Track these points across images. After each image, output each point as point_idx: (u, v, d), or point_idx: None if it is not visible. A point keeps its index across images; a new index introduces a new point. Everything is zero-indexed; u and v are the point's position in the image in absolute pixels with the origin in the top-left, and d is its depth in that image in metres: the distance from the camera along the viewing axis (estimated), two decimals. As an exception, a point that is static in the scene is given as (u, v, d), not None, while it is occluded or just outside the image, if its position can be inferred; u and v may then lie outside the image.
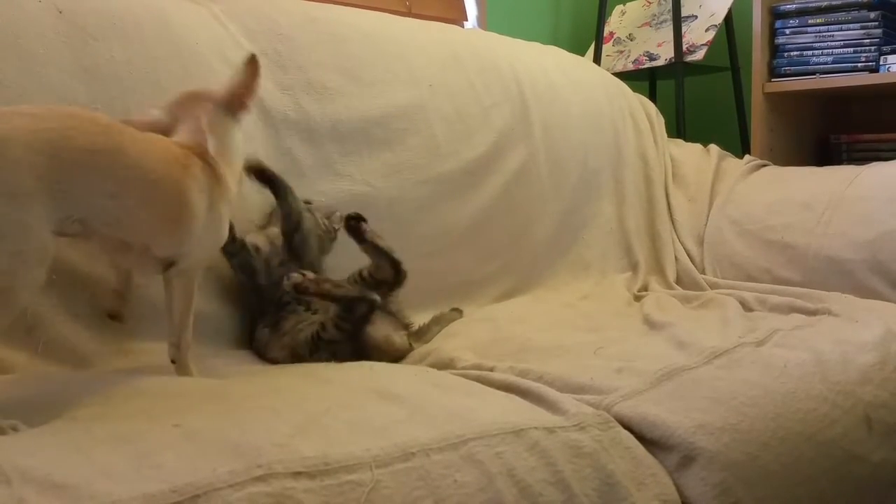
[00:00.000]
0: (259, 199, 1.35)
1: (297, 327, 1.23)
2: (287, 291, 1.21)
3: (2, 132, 0.83)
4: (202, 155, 1.02)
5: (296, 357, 1.22)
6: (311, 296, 1.20)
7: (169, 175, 0.96)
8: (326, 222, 1.37)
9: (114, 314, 1.13)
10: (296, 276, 1.19)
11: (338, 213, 1.38)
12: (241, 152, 1.11)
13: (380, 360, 1.20)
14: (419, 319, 1.41)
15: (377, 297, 1.22)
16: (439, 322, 1.42)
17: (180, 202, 0.97)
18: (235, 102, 1.09)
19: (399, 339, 1.27)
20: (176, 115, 1.07)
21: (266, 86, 1.45)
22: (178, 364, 1.07)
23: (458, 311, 1.50)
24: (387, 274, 1.27)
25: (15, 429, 0.80)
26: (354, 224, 1.26)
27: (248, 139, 1.38)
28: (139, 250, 0.97)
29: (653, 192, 2.00)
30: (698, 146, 2.16)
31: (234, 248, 1.25)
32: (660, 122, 2.14)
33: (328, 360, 1.18)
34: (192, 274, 1.06)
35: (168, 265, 1.03)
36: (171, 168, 0.97)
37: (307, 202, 1.36)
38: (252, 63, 1.09)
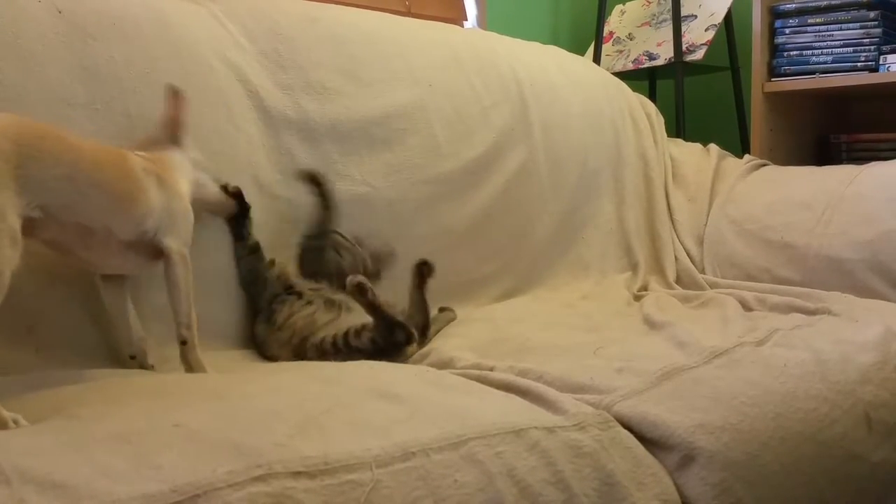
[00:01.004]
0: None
1: (291, 319, 1.24)
2: (345, 289, 1.22)
3: None
4: (140, 154, 1.12)
5: (298, 353, 1.22)
6: (364, 301, 1.20)
7: (112, 159, 1.05)
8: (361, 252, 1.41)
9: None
10: (361, 277, 1.20)
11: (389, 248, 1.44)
12: (187, 168, 1.21)
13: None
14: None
15: (415, 333, 1.24)
16: (434, 323, 1.42)
17: (128, 181, 1.05)
18: (170, 132, 1.21)
19: (411, 350, 1.27)
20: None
21: (266, 85, 1.45)
22: (189, 343, 1.11)
23: (450, 311, 1.49)
24: (416, 322, 1.31)
25: (17, 422, 0.82)
26: (420, 269, 1.35)
27: (247, 139, 1.39)
28: (103, 234, 1.03)
29: (653, 191, 2.00)
30: (698, 146, 2.16)
31: (243, 250, 1.31)
32: (659, 121, 2.14)
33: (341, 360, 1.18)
34: (182, 250, 1.11)
35: (151, 251, 1.09)
36: (113, 155, 1.06)
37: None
38: (174, 96, 1.23)
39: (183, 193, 1.15)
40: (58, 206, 0.97)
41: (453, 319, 1.48)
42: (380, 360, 1.16)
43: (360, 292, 1.19)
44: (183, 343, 1.11)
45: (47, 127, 1.00)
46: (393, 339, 1.19)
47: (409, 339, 1.22)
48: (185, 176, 1.18)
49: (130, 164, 1.07)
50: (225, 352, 1.26)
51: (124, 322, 1.15)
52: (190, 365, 1.11)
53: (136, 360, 1.16)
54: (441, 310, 1.49)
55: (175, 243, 1.10)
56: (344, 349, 1.19)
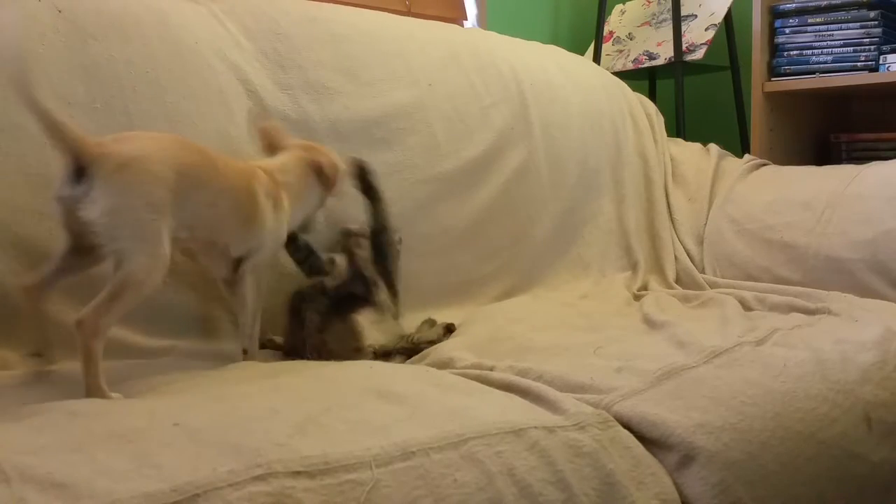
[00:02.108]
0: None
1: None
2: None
3: (139, 150, 1.00)
4: (269, 173, 1.21)
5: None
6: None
7: (244, 184, 1.14)
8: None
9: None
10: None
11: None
12: (297, 170, 1.27)
13: (342, 342, 1.23)
14: (418, 318, 1.41)
15: (375, 296, 1.25)
16: (419, 331, 1.40)
17: (253, 206, 1.15)
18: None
19: (373, 335, 1.28)
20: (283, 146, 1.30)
21: (265, 85, 1.45)
22: (250, 353, 1.20)
23: (440, 327, 1.44)
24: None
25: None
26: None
27: (247, 139, 1.39)
28: (220, 249, 1.15)
29: (652, 191, 2.00)
30: (698, 145, 2.16)
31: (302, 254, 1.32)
32: (659, 121, 2.14)
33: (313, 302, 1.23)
34: (262, 269, 1.21)
35: (237, 264, 1.17)
36: (245, 179, 1.15)
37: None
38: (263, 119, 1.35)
39: (286, 217, 1.23)
40: (200, 227, 1.09)
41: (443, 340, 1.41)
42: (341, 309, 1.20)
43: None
44: (244, 352, 1.19)
45: (202, 152, 1.09)
46: (352, 289, 1.23)
47: (367, 295, 1.24)
48: (293, 187, 1.25)
49: (256, 187, 1.16)
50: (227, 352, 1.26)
51: (243, 318, 1.21)
52: None
53: (248, 354, 1.21)
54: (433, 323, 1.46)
55: (252, 266, 1.18)
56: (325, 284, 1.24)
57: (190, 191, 1.04)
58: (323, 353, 1.23)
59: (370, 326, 1.28)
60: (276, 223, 1.20)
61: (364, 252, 1.26)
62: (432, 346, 1.30)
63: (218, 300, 1.29)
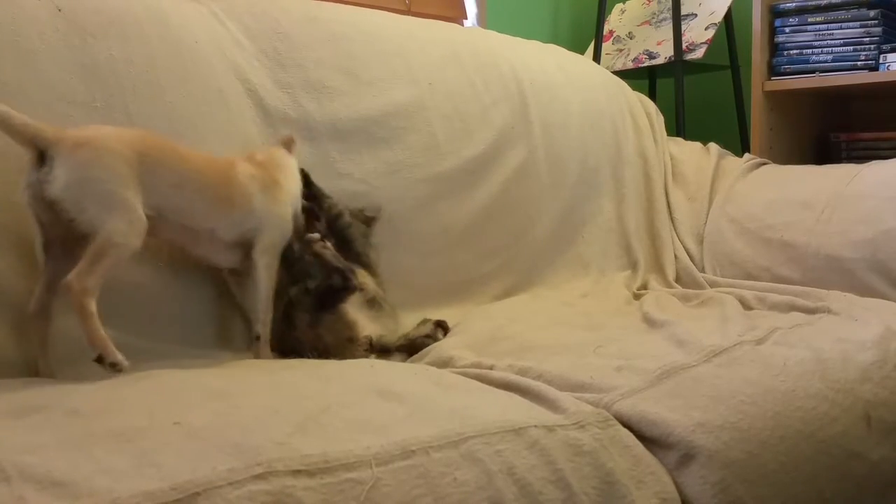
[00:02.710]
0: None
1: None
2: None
3: (97, 132, 1.07)
4: (252, 160, 1.25)
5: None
6: (312, 252, 1.26)
7: (216, 169, 1.18)
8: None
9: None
10: (315, 235, 1.28)
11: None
12: (289, 167, 1.32)
13: (335, 334, 1.24)
14: (418, 317, 1.41)
15: (353, 281, 1.26)
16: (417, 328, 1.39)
17: (229, 187, 1.18)
18: (287, 144, 1.36)
19: (370, 327, 1.28)
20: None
21: (265, 84, 1.45)
22: (262, 339, 1.21)
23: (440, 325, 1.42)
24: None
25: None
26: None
27: (247, 138, 1.39)
28: (207, 235, 1.17)
29: (652, 190, 2.00)
30: (698, 145, 2.16)
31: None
32: (659, 120, 2.14)
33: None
34: (271, 256, 1.23)
35: (245, 250, 1.20)
36: (217, 165, 1.19)
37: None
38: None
39: (286, 198, 1.26)
40: (168, 210, 1.11)
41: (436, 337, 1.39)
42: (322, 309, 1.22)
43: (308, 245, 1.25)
44: (257, 338, 1.21)
45: (163, 139, 1.15)
46: (330, 282, 1.24)
47: (346, 284, 1.25)
48: (292, 179, 1.30)
49: (235, 171, 1.20)
50: (227, 351, 1.26)
51: (257, 303, 1.23)
52: (261, 359, 1.20)
53: (261, 341, 1.23)
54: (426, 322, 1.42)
55: (261, 251, 1.21)
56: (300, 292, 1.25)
57: (151, 171, 1.08)
58: (319, 347, 1.23)
59: (367, 321, 1.28)
60: (271, 204, 1.23)
61: (329, 250, 1.27)
62: (429, 342, 1.31)
63: (219, 299, 1.29)
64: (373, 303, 1.32)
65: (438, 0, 2.32)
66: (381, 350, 1.27)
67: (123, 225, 1.03)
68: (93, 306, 1.00)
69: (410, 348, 1.30)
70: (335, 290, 1.25)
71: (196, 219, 1.16)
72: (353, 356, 1.22)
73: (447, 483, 0.79)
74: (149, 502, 0.65)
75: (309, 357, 1.22)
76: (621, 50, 2.52)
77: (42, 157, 1.02)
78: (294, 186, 1.30)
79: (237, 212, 1.19)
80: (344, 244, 1.36)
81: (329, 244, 1.29)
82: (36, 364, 1.08)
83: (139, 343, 1.19)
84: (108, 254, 1.01)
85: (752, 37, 2.22)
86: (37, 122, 1.02)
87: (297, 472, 0.73)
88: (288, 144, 1.35)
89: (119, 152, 1.05)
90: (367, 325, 1.27)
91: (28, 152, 1.03)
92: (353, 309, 1.28)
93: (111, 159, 1.04)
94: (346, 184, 1.48)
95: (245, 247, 1.22)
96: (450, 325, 1.44)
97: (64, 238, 1.06)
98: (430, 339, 1.32)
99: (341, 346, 1.24)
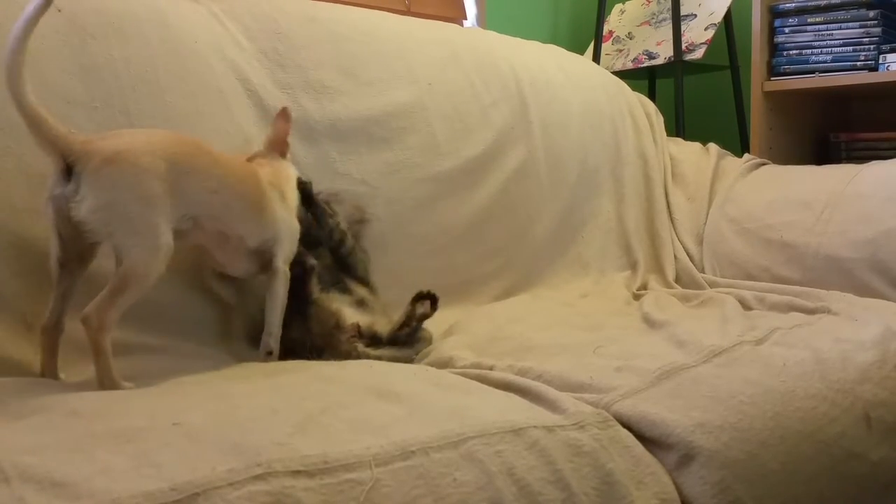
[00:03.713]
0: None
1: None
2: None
3: (125, 145, 0.99)
4: (262, 165, 1.24)
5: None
6: None
7: (248, 173, 1.16)
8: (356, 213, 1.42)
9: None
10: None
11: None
12: (293, 177, 1.30)
13: (321, 324, 1.23)
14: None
15: (309, 262, 1.24)
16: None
17: (260, 194, 1.16)
18: (277, 146, 1.31)
19: (356, 317, 1.26)
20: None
21: (265, 84, 1.45)
22: (273, 356, 1.19)
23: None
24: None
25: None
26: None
27: (247, 138, 1.39)
28: (235, 242, 1.14)
29: (652, 190, 2.00)
30: (697, 145, 2.16)
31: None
32: (659, 120, 2.14)
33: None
34: (284, 268, 1.20)
35: (264, 261, 1.19)
36: (248, 168, 1.18)
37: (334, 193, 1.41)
38: (283, 113, 1.33)
39: (295, 209, 1.25)
40: (206, 217, 1.08)
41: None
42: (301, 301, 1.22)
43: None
44: (269, 354, 1.19)
45: (197, 142, 1.10)
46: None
47: (304, 267, 1.24)
48: (293, 191, 1.27)
49: (260, 177, 1.18)
50: (228, 351, 1.26)
51: (272, 317, 1.21)
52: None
53: (272, 356, 1.21)
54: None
55: (283, 261, 1.20)
56: None
57: (186, 179, 1.04)
58: (307, 342, 1.22)
59: (356, 315, 1.26)
60: (287, 214, 1.22)
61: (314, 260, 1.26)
62: (422, 319, 1.29)
63: (220, 300, 1.29)
64: (362, 303, 1.31)
65: (438, 0, 2.32)
66: (372, 339, 1.24)
67: (147, 253, 0.99)
68: (108, 343, 0.97)
69: (405, 336, 1.27)
70: (296, 279, 1.22)
71: (231, 224, 1.13)
72: (341, 344, 1.21)
73: (447, 483, 0.79)
74: (148, 503, 0.65)
75: (307, 358, 1.22)
76: (621, 50, 2.52)
77: (68, 169, 0.97)
78: (295, 199, 1.28)
79: (265, 219, 1.17)
80: (343, 269, 1.35)
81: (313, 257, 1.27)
82: (42, 369, 1.06)
83: (139, 343, 1.20)
84: (131, 286, 0.98)
85: (752, 37, 2.22)
86: (67, 132, 0.98)
87: (296, 473, 0.73)
88: (282, 149, 1.31)
89: (150, 168, 1.00)
90: (353, 316, 1.26)
91: (54, 163, 0.98)
92: (338, 304, 1.27)
93: (142, 178, 0.99)
94: (345, 184, 1.48)
95: (261, 256, 1.19)
96: (449, 325, 1.44)
97: (82, 254, 1.04)
98: (425, 316, 1.29)
99: (328, 334, 1.21)
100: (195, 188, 1.06)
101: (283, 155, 1.31)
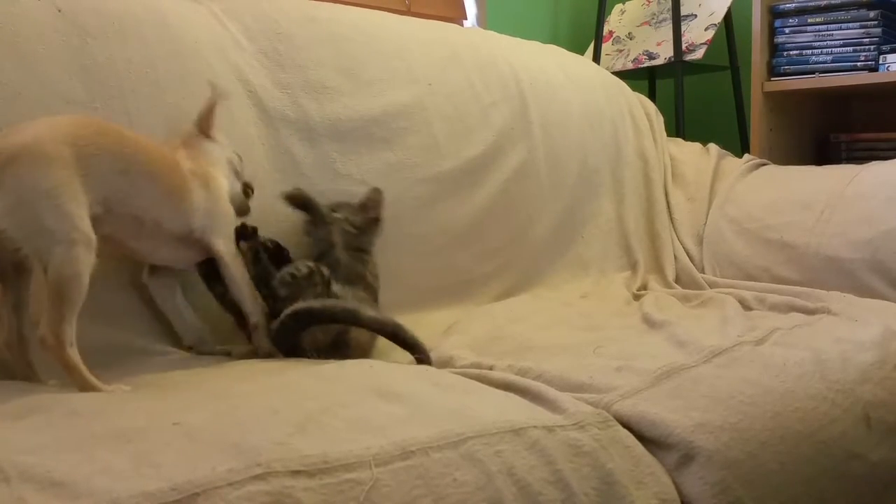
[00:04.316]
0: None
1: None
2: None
3: (30, 136, 0.97)
4: (184, 147, 1.18)
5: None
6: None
7: (162, 154, 1.11)
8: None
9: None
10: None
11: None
12: (222, 158, 1.24)
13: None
14: (417, 318, 1.41)
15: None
16: None
17: (177, 178, 1.11)
18: (201, 126, 1.25)
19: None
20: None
21: (265, 85, 1.45)
22: (259, 328, 1.17)
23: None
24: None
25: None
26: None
27: (247, 139, 1.39)
28: (151, 227, 1.09)
29: (652, 191, 2.00)
30: (697, 145, 2.16)
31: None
32: (659, 121, 2.14)
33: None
34: (229, 249, 1.17)
35: (201, 248, 1.14)
36: (163, 149, 1.13)
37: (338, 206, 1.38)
38: (211, 98, 1.26)
39: (224, 193, 1.19)
40: (116, 200, 1.03)
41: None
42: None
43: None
44: (255, 328, 1.17)
45: (104, 123, 1.07)
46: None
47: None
48: (223, 172, 1.22)
49: (178, 162, 1.14)
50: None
51: (176, 315, 1.21)
52: (263, 347, 1.17)
53: (194, 350, 1.21)
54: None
55: (224, 244, 1.16)
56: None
57: (93, 161, 1.00)
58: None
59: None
60: (213, 201, 1.16)
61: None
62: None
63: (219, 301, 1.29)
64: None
65: (438, 0, 2.32)
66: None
67: (69, 248, 0.94)
68: (75, 356, 0.95)
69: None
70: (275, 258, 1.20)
71: (143, 207, 1.07)
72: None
73: (447, 483, 0.79)
74: (148, 503, 0.65)
75: (309, 356, 1.22)
76: (621, 50, 2.52)
77: None
78: (224, 182, 1.21)
79: (183, 203, 1.12)
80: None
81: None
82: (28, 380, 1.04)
83: (138, 343, 1.20)
84: (67, 290, 0.94)
85: (752, 37, 2.22)
86: None
87: (296, 473, 0.73)
88: (205, 128, 1.24)
89: (54, 156, 0.96)
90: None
91: None
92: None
93: (46, 171, 0.95)
94: (345, 184, 1.48)
95: (195, 245, 1.14)
96: (449, 325, 1.44)
97: (16, 264, 1.00)
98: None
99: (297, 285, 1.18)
100: (103, 169, 1.01)
101: (206, 134, 1.24)
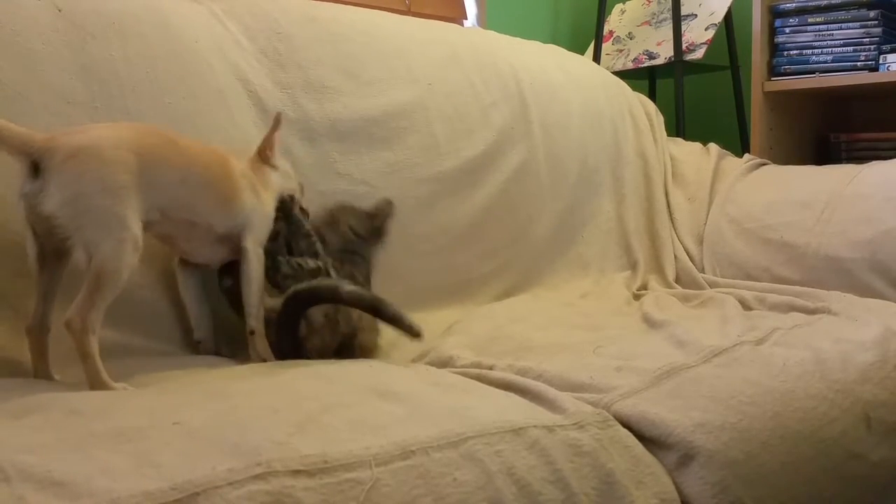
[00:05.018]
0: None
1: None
2: None
3: (92, 139, 1.00)
4: (239, 159, 1.22)
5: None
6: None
7: (216, 161, 1.15)
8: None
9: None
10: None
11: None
12: (279, 184, 1.27)
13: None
14: (416, 318, 1.41)
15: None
16: None
17: (228, 180, 1.15)
18: (261, 153, 1.28)
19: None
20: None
21: (265, 85, 1.45)
22: (257, 334, 1.18)
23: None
24: None
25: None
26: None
27: (247, 139, 1.39)
28: (204, 229, 1.14)
29: (652, 190, 2.00)
30: (698, 145, 2.16)
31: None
32: (659, 120, 2.14)
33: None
34: (255, 249, 1.19)
35: (232, 246, 1.17)
36: (216, 156, 1.16)
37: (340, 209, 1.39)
38: (276, 119, 1.29)
39: (268, 203, 1.23)
40: (173, 207, 1.08)
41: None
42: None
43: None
44: (251, 333, 1.18)
45: (162, 132, 1.10)
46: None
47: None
48: (273, 194, 1.25)
49: (230, 166, 1.17)
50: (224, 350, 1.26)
51: (195, 306, 1.23)
52: (258, 353, 1.18)
53: (202, 346, 1.23)
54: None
55: (252, 242, 1.18)
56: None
57: (154, 171, 1.04)
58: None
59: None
60: (258, 201, 1.20)
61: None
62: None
63: (220, 301, 1.29)
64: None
65: (438, 0, 2.32)
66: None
67: (117, 246, 0.98)
68: (95, 346, 0.97)
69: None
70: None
71: (199, 213, 1.12)
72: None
73: (447, 483, 0.79)
74: (148, 502, 0.65)
75: (309, 357, 1.22)
76: (621, 50, 2.52)
77: (36, 166, 0.98)
78: (272, 202, 1.24)
79: (233, 207, 1.16)
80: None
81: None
82: (34, 371, 1.06)
83: (139, 343, 1.20)
84: (105, 282, 0.98)
85: (752, 37, 2.23)
86: (25, 131, 0.98)
87: (296, 473, 0.73)
88: (264, 156, 1.27)
89: (116, 159, 1.00)
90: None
91: (20, 162, 0.98)
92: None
93: (107, 169, 0.99)
94: (345, 184, 1.48)
95: (229, 242, 1.18)
96: (449, 325, 1.44)
97: (59, 250, 1.03)
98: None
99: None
100: (163, 180, 1.05)
101: (265, 161, 1.27)
